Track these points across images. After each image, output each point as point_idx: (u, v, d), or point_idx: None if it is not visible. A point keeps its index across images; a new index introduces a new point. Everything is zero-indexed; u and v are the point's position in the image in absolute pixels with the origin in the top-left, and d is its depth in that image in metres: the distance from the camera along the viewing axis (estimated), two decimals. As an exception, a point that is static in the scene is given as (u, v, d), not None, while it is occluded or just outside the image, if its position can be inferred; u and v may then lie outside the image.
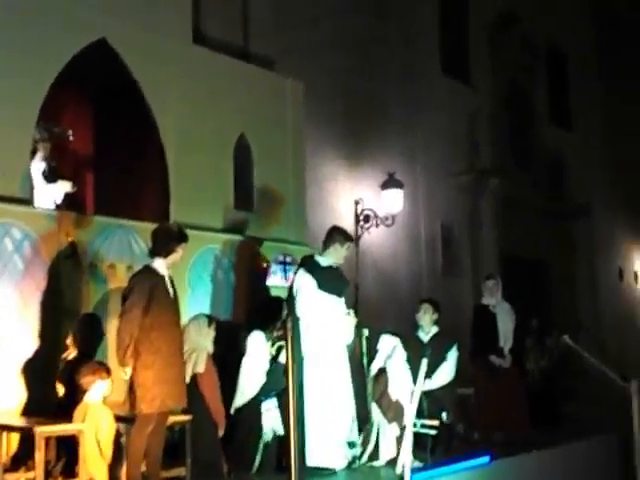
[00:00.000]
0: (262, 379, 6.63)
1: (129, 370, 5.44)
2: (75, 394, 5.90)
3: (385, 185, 11.66)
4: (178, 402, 5.66)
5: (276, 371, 6.58)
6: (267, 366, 6.68)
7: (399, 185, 11.66)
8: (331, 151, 11.53)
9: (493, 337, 8.40)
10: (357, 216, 11.61)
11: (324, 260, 6.73)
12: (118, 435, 5.86)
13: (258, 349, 6.70)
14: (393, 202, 11.60)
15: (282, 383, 6.36)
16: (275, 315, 6.88)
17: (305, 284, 6.53)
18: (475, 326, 8.55)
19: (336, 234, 6.81)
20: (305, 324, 6.42)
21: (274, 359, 6.73)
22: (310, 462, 6.36)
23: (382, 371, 7.06)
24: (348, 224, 11.33)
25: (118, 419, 5.82)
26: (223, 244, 8.18)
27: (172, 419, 5.83)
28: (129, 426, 5.71)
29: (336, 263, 6.78)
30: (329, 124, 11.39)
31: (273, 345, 6.79)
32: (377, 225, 11.62)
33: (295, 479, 4.74)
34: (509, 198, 14.57)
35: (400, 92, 12.94)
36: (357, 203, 11.66)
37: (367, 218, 11.57)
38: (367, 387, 7.22)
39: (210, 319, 6.70)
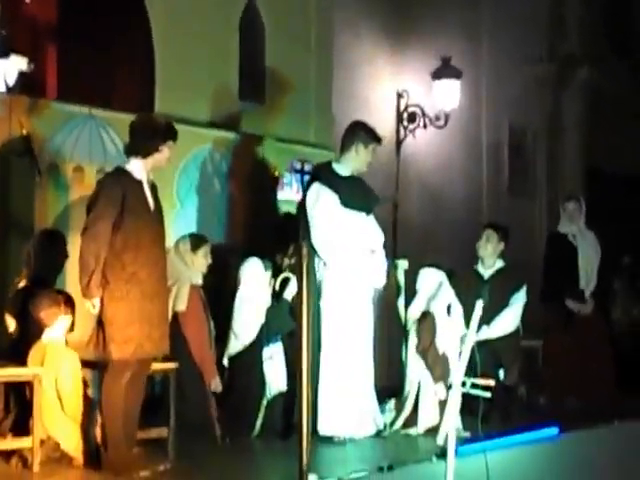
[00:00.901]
0: (261, 319, 6.69)
1: (97, 302, 5.47)
2: (29, 331, 5.97)
3: (438, 73, 11.53)
4: (159, 347, 5.69)
5: (280, 309, 6.65)
6: (267, 302, 6.73)
7: (456, 74, 11.53)
8: (368, 28, 11.37)
9: (572, 275, 8.42)
10: (399, 113, 11.54)
11: (343, 168, 6.69)
12: (85, 385, 5.96)
13: (255, 280, 6.75)
14: (447, 96, 11.49)
15: (288, 324, 6.49)
16: (286, 238, 6.91)
17: (323, 201, 6.51)
18: (549, 260, 8.56)
19: (358, 130, 6.78)
20: (323, 254, 6.44)
21: (278, 294, 6.77)
22: (323, 430, 6.47)
23: (426, 315, 7.10)
24: (387, 123, 11.30)
25: (85, 364, 5.89)
26: (223, 144, 8.19)
27: (152, 367, 5.90)
28: (97, 374, 5.79)
29: (357, 171, 6.73)
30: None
31: (276, 276, 6.83)
32: (425, 126, 11.54)
33: (307, 447, 4.80)
34: (601, 95, 14.36)
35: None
36: (400, 96, 11.56)
37: (413, 116, 11.49)
38: (405, 336, 7.29)
39: (198, 241, 6.74)
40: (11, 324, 6.23)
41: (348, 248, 6.57)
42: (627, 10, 15.82)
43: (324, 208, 6.51)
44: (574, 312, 8.39)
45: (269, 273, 6.85)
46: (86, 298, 5.46)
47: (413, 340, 7.13)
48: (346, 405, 6.58)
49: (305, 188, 6.81)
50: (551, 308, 8.47)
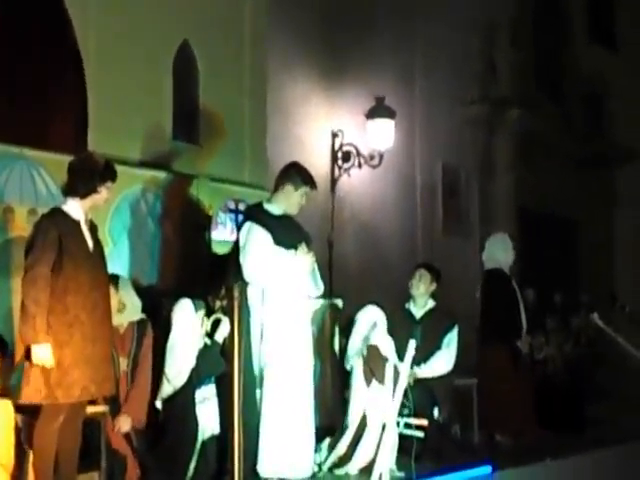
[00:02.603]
0: (192, 361, 6.64)
1: (47, 349, 5.32)
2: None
3: (372, 113, 11.62)
4: (103, 389, 5.65)
5: (211, 351, 6.61)
6: (199, 344, 6.69)
7: (390, 114, 11.63)
8: (302, 68, 11.43)
9: (515, 314, 8.51)
10: (334, 152, 11.61)
11: (274, 207, 6.71)
12: (18, 430, 5.85)
13: (187, 322, 6.71)
14: (382, 136, 11.58)
15: (219, 366, 6.44)
16: (218, 279, 6.88)
17: (257, 239, 6.51)
18: (494, 299, 8.59)
19: (291, 172, 6.76)
20: (257, 291, 6.43)
21: (209, 336, 6.74)
22: (264, 472, 6.43)
23: (371, 347, 7.11)
24: (322, 162, 11.36)
25: (18, 409, 5.77)
26: (156, 184, 8.15)
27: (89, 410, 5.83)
28: (30, 418, 5.68)
29: (287, 212, 6.76)
30: (299, 31, 11.28)
31: (208, 317, 6.79)
32: (360, 165, 11.62)
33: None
34: (532, 136, 14.59)
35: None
36: (335, 135, 11.64)
37: (347, 155, 11.57)
38: (346, 373, 7.30)
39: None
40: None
41: (282, 286, 6.56)
42: (556, 54, 16.11)
43: (258, 244, 6.51)
44: (521, 353, 8.47)
45: (201, 314, 6.81)
46: (33, 344, 5.31)
47: (357, 375, 7.12)
48: (287, 446, 6.51)
49: (238, 228, 6.78)
50: (495, 349, 8.52)
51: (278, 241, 6.53)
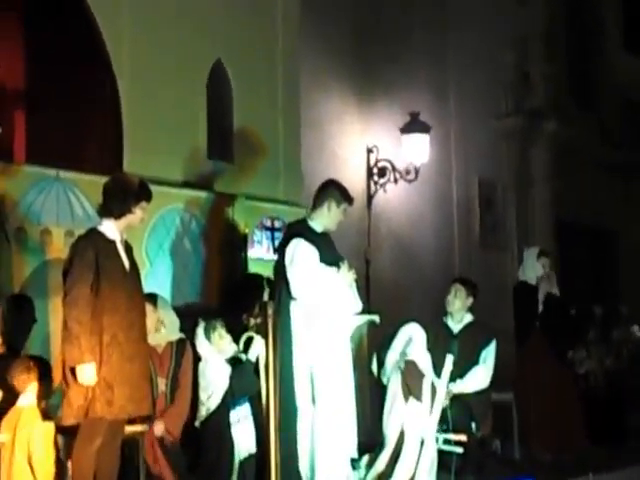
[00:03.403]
0: (225, 382, 6.63)
1: (90, 368, 5.36)
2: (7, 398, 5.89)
3: (407, 129, 11.61)
4: (141, 408, 5.67)
5: (244, 370, 6.58)
6: (228, 365, 6.69)
7: (425, 129, 11.61)
8: (335, 84, 11.45)
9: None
10: (370, 168, 11.60)
11: (316, 225, 6.74)
12: (57, 450, 5.88)
13: (215, 343, 6.70)
14: (417, 150, 11.56)
15: (253, 385, 6.43)
16: (252, 298, 6.88)
17: (306, 256, 6.51)
18: (516, 312, 8.65)
19: (331, 189, 6.78)
20: (304, 307, 6.44)
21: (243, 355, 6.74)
22: None
23: (409, 363, 7.09)
24: (358, 179, 11.35)
25: (58, 429, 5.81)
26: (192, 203, 8.19)
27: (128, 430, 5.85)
28: (70, 439, 5.71)
29: (328, 229, 6.79)
30: (332, 49, 11.30)
31: (239, 337, 6.78)
32: (396, 180, 11.60)
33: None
34: (568, 147, 14.51)
35: (425, 7, 12.83)
36: (370, 152, 11.64)
37: (383, 171, 11.56)
38: (382, 390, 7.27)
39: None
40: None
41: (328, 302, 6.57)
42: (591, 64, 16.03)
43: (306, 260, 6.53)
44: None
45: (229, 335, 6.79)
46: (79, 364, 5.35)
47: (395, 391, 7.10)
48: (338, 464, 6.48)
49: (283, 244, 6.78)
50: (526, 362, 8.50)
51: (321, 258, 6.56)
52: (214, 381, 6.64)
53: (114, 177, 5.93)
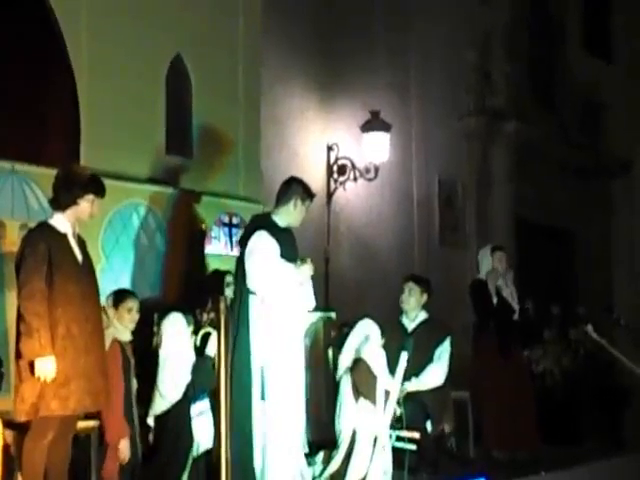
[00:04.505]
0: (187, 375, 6.62)
1: (51, 362, 5.31)
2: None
3: (367, 127, 11.59)
4: (97, 402, 5.62)
5: (205, 364, 6.59)
6: (192, 358, 6.68)
7: (385, 127, 11.61)
8: (297, 81, 11.43)
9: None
10: (330, 166, 11.58)
11: (280, 220, 6.76)
12: (6, 447, 5.82)
13: (178, 336, 6.69)
14: (377, 149, 11.54)
15: (212, 380, 6.42)
16: (209, 293, 6.87)
17: (266, 248, 6.54)
18: (474, 308, 8.69)
19: (296, 186, 6.85)
20: (260, 301, 6.44)
21: (200, 350, 6.72)
22: None
23: (359, 361, 7.09)
24: (318, 176, 11.32)
25: (7, 425, 5.75)
26: (150, 198, 8.14)
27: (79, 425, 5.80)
28: (21, 434, 5.64)
29: (291, 225, 6.82)
30: (294, 46, 11.28)
31: (197, 332, 6.78)
32: (355, 179, 11.58)
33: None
34: (528, 148, 14.55)
35: (388, 5, 12.82)
36: (330, 149, 11.62)
37: (343, 169, 11.53)
38: (336, 387, 7.27)
39: (121, 296, 6.66)
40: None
41: (284, 297, 6.58)
42: (552, 66, 16.10)
43: (265, 254, 6.54)
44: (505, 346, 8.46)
45: (191, 328, 6.80)
46: (39, 357, 5.29)
47: (346, 390, 7.09)
48: (290, 461, 6.50)
49: (245, 236, 6.77)
50: (483, 354, 8.53)
51: (282, 253, 6.58)
52: (177, 374, 6.62)
53: (63, 168, 5.86)
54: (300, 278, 6.61)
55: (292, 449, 6.50)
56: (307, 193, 6.85)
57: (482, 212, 14.11)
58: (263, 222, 6.78)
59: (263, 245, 6.56)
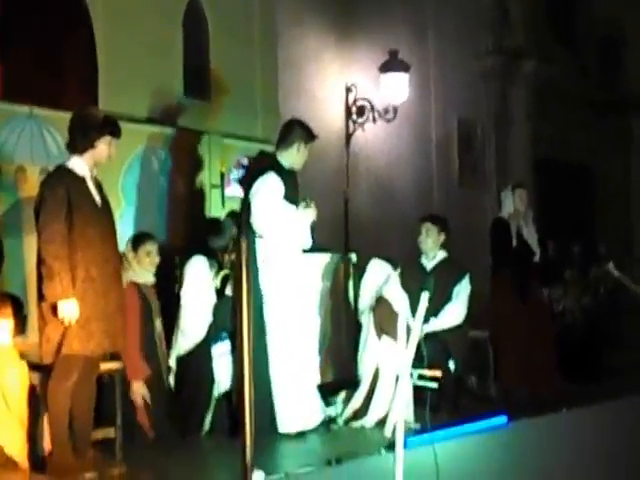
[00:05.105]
0: (208, 317, 6.65)
1: (72, 304, 5.32)
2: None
3: (385, 67, 11.50)
4: (116, 343, 5.64)
5: (224, 306, 6.61)
6: (213, 300, 6.70)
7: (404, 68, 11.51)
8: (313, 22, 11.31)
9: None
10: (348, 107, 11.50)
11: (284, 161, 6.75)
12: (32, 388, 5.86)
13: (200, 278, 6.71)
14: (396, 90, 11.46)
15: (232, 321, 6.45)
16: (227, 235, 6.88)
17: (273, 190, 6.53)
18: (492, 247, 8.66)
19: (298, 129, 6.84)
20: (267, 243, 6.45)
21: (221, 292, 6.73)
22: (285, 427, 6.51)
23: (381, 300, 7.09)
24: (336, 118, 11.27)
25: (33, 367, 5.78)
26: (168, 142, 8.13)
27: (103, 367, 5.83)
28: (47, 376, 5.69)
29: (295, 167, 6.81)
30: (311, -14, 11.18)
31: (217, 275, 6.80)
32: (374, 120, 11.51)
33: (251, 444, 4.75)
34: (547, 85, 14.44)
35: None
36: (348, 90, 11.53)
37: (361, 110, 11.46)
38: (358, 327, 7.29)
39: (140, 239, 6.67)
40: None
41: (288, 238, 6.59)
42: (569, 1, 15.90)
43: (271, 196, 6.56)
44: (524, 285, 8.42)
45: (213, 270, 6.82)
46: (61, 300, 5.30)
47: (368, 329, 7.11)
48: (301, 399, 6.61)
49: (252, 176, 6.75)
50: (499, 297, 8.52)
51: (285, 194, 6.58)
52: (199, 315, 6.66)
53: (78, 111, 5.80)
54: (304, 219, 6.61)
55: (307, 387, 6.57)
56: (309, 135, 6.83)
57: (501, 152, 14.06)
58: (269, 163, 6.76)
59: (270, 186, 6.57)
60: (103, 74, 8.07)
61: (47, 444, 5.64)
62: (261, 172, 6.66)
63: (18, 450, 5.62)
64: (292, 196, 6.65)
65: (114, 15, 8.14)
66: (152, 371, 6.55)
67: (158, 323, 6.69)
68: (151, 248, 6.66)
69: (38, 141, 7.19)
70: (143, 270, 6.60)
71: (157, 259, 6.68)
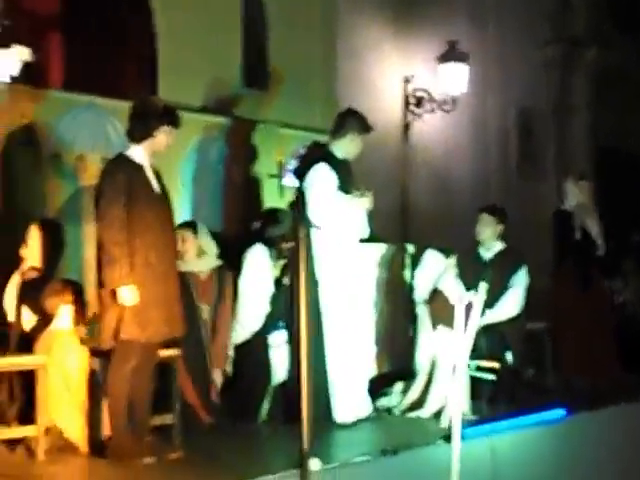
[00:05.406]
0: (266, 306, 6.66)
1: (129, 291, 5.37)
2: (43, 321, 5.97)
3: (444, 58, 11.47)
4: (175, 329, 5.67)
5: (283, 296, 6.61)
6: (272, 289, 6.71)
7: (463, 58, 11.47)
8: (373, 12, 11.30)
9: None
10: (406, 98, 11.50)
11: (338, 151, 6.72)
12: (92, 373, 5.92)
13: (259, 267, 6.72)
14: (454, 80, 11.44)
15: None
16: (285, 225, 6.87)
17: (326, 181, 6.53)
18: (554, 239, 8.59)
19: (353, 119, 6.78)
20: (323, 234, 6.47)
21: (279, 281, 6.74)
22: (343, 417, 6.52)
23: (436, 292, 7.07)
24: (394, 108, 11.25)
25: (93, 353, 5.84)
26: (225, 131, 8.13)
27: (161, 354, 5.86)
28: (106, 362, 5.74)
29: (349, 157, 6.77)
30: (370, -25, 11.15)
31: (276, 264, 6.80)
32: (433, 110, 11.50)
33: (308, 432, 4.75)
34: (608, 74, 14.25)
35: None
36: (407, 81, 11.53)
37: (419, 101, 11.46)
38: (414, 318, 7.27)
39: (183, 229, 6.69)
40: (28, 316, 6.18)
41: (344, 228, 6.58)
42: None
43: (325, 187, 6.55)
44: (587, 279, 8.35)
45: (272, 260, 6.82)
46: (120, 286, 5.35)
47: (424, 320, 7.09)
48: (357, 389, 6.62)
49: (303, 168, 6.75)
50: (560, 289, 8.45)
51: (340, 185, 6.58)
52: (257, 305, 6.68)
53: (138, 100, 5.84)
54: (359, 208, 6.59)
55: (363, 377, 6.58)
56: (363, 126, 6.77)
57: (561, 143, 13.90)
58: (322, 154, 6.73)
59: (322, 177, 6.55)
60: (162, 64, 8.14)
61: (106, 429, 5.70)
62: (313, 163, 6.64)
63: (78, 434, 5.70)
64: (346, 186, 6.63)
65: (173, 5, 8.20)
66: (197, 357, 6.55)
67: (205, 309, 6.70)
68: (186, 235, 6.66)
69: (98, 130, 7.27)
70: (188, 257, 6.62)
71: (194, 247, 6.65)
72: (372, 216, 6.80)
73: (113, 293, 5.41)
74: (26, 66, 7.74)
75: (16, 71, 7.69)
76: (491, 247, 7.88)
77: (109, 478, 5.34)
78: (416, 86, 11.47)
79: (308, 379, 4.72)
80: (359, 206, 6.59)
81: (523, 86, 13.29)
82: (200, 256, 6.73)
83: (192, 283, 6.60)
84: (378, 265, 7.54)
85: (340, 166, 6.66)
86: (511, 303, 7.60)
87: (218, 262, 6.80)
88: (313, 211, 6.51)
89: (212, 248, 6.83)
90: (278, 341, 6.69)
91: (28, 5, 8.39)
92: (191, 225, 6.73)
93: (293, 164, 8.47)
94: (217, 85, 8.45)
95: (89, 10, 8.38)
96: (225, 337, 6.73)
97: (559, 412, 6.76)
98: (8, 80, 7.50)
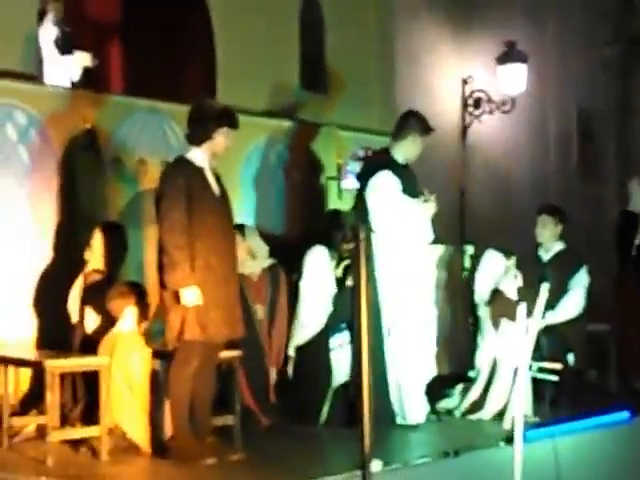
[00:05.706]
0: (328, 307, 6.66)
1: (192, 292, 5.39)
2: (106, 323, 6.04)
3: (503, 58, 11.38)
4: (235, 330, 5.67)
5: (344, 297, 6.60)
6: (333, 290, 6.70)
7: (522, 58, 11.38)
8: (430, 14, 11.28)
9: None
10: (465, 99, 11.43)
11: (399, 155, 6.71)
12: (155, 374, 5.96)
13: (320, 268, 6.71)
14: (513, 81, 11.34)
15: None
16: (344, 226, 6.86)
17: (389, 187, 6.50)
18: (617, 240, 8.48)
19: (414, 121, 6.76)
20: (385, 239, 6.44)
21: (341, 282, 6.72)
22: (413, 419, 6.51)
23: (497, 293, 7.02)
24: (453, 110, 11.20)
25: (155, 354, 5.89)
26: (285, 134, 8.16)
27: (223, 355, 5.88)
28: (168, 363, 5.77)
29: (410, 160, 6.75)
30: (427, -23, 11.13)
31: (338, 265, 6.79)
32: (491, 111, 11.41)
33: (369, 434, 4.72)
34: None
35: None
36: (465, 82, 11.46)
37: (478, 102, 11.38)
38: (475, 320, 7.24)
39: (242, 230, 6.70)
40: (91, 318, 6.25)
41: (408, 232, 6.56)
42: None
43: (388, 192, 6.53)
44: None
45: (333, 261, 6.81)
46: (182, 288, 5.37)
47: (485, 321, 7.05)
48: (417, 391, 6.60)
49: (366, 174, 6.74)
50: (624, 290, 8.35)
51: (404, 190, 6.55)
52: (318, 306, 6.69)
53: (196, 103, 5.84)
54: (424, 213, 6.57)
55: (424, 379, 6.57)
56: (425, 127, 6.75)
57: (623, 144, 13.76)
58: (383, 160, 6.72)
59: (384, 184, 6.53)
60: (221, 68, 8.19)
61: (168, 430, 5.73)
62: (375, 169, 6.63)
63: (140, 435, 5.73)
64: (411, 190, 6.61)
65: (232, 9, 8.24)
66: (254, 359, 6.54)
67: (259, 310, 6.71)
68: (247, 239, 6.68)
69: (159, 134, 7.31)
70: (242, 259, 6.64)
71: (243, 249, 6.63)
72: (433, 218, 6.77)
73: (176, 295, 5.44)
74: (87, 71, 7.87)
75: (77, 76, 7.82)
76: (550, 248, 7.80)
77: (171, 479, 5.35)
78: (474, 87, 11.40)
79: (369, 380, 4.69)
80: (424, 211, 6.56)
81: (582, 86, 13.21)
82: (251, 258, 6.74)
83: (244, 285, 6.61)
84: (438, 266, 7.52)
85: (403, 172, 6.65)
86: (572, 304, 7.51)
87: (269, 261, 6.82)
88: (375, 218, 6.49)
89: (262, 249, 6.84)
90: (339, 343, 6.67)
91: (90, 12, 8.53)
92: (239, 228, 6.75)
93: (355, 168, 8.47)
94: (275, 88, 8.48)
95: (149, 16, 8.47)
96: (281, 335, 6.75)
97: (623, 414, 6.68)
98: (70, 85, 7.62)
